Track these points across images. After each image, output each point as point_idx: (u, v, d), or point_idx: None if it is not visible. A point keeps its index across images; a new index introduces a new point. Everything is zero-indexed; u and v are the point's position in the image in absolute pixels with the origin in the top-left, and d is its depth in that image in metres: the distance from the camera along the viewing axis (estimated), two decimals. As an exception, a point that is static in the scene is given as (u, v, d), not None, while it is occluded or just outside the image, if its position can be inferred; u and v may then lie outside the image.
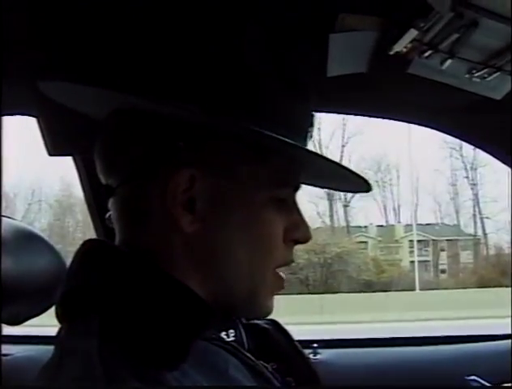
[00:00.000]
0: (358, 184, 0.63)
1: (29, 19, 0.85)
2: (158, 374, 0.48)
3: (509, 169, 1.22)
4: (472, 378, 1.20)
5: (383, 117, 1.21)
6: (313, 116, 0.63)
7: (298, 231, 0.61)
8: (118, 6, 0.82)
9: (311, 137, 0.62)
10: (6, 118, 0.98)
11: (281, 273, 0.62)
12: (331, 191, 14.89)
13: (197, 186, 0.55)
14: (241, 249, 0.57)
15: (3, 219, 0.85)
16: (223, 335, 0.60)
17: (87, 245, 0.60)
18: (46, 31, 0.88)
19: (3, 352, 1.20)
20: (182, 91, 0.56)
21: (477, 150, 1.45)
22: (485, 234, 18.61)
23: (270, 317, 0.65)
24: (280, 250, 0.60)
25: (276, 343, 0.67)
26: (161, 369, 0.49)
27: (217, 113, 0.55)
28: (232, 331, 0.61)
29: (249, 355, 0.58)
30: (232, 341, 0.59)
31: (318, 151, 0.66)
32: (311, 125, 0.62)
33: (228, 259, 0.57)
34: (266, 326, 0.68)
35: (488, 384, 1.16)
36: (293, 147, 0.57)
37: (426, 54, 0.83)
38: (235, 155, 0.57)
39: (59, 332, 0.55)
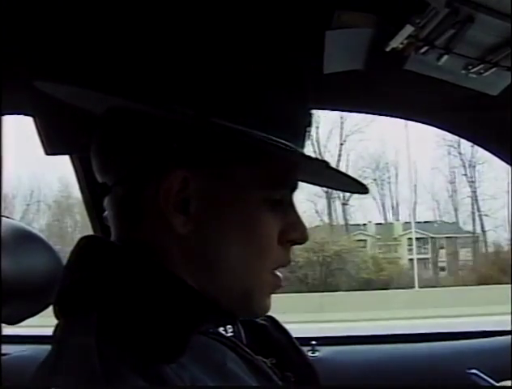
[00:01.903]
0: (355, 185, 0.63)
1: (26, 19, 0.85)
2: (156, 367, 0.48)
3: (508, 166, 1.21)
4: (473, 371, 1.19)
5: (380, 114, 1.21)
6: (310, 115, 0.62)
7: (294, 232, 0.61)
8: (114, 7, 0.82)
9: (309, 136, 0.62)
10: (3, 118, 0.98)
11: (278, 273, 0.61)
12: (330, 190, 14.88)
13: (190, 188, 0.55)
14: (235, 250, 0.57)
15: (2, 219, 0.85)
16: (221, 330, 0.60)
17: (84, 241, 0.60)
18: (42, 31, 0.88)
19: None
20: (176, 93, 0.56)
21: (475, 147, 1.45)
22: (484, 231, 18.61)
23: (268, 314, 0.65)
24: (276, 251, 0.59)
25: (274, 339, 0.67)
26: (159, 362, 0.49)
27: (211, 114, 0.55)
28: (230, 326, 0.62)
29: (247, 350, 0.58)
30: (230, 337, 0.59)
31: (316, 150, 0.66)
32: (309, 124, 0.62)
33: (221, 261, 0.57)
34: (263, 322, 0.69)
35: (488, 378, 1.16)
36: (286, 148, 0.57)
37: (422, 50, 0.83)
38: (229, 156, 0.56)
39: (56, 329, 0.55)
